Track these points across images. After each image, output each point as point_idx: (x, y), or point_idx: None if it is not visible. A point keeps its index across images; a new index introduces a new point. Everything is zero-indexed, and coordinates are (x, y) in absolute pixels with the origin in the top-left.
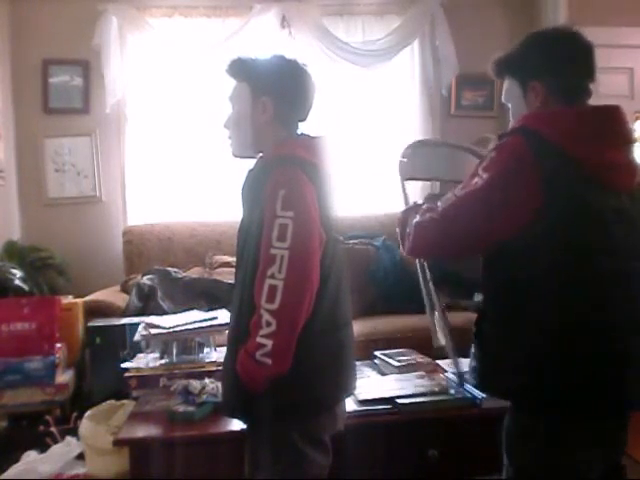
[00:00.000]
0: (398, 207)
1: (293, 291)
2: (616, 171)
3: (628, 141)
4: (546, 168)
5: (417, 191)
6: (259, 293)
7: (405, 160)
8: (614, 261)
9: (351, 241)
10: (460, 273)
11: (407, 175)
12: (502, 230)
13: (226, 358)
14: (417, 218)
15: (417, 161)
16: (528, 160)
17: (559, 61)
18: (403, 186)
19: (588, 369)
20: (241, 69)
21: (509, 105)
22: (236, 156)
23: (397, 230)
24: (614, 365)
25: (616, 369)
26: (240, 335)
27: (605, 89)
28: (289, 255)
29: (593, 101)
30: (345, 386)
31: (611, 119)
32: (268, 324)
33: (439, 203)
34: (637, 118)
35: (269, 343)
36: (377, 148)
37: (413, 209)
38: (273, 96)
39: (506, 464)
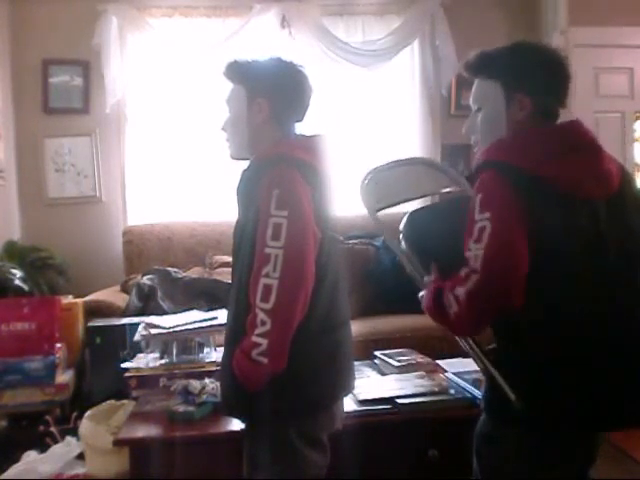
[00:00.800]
0: (398, 207)
1: (288, 290)
2: (586, 184)
3: (594, 150)
4: (526, 197)
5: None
6: (254, 292)
7: (366, 194)
8: (601, 276)
9: (351, 241)
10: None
11: (376, 207)
12: (536, 253)
13: (224, 357)
14: (458, 293)
15: (380, 190)
16: (510, 189)
17: (551, 81)
18: (376, 219)
19: (583, 385)
20: (237, 71)
21: (478, 107)
22: (234, 158)
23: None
24: (610, 381)
25: (612, 385)
26: (237, 335)
27: (605, 89)
28: (283, 254)
29: (593, 101)
30: (343, 385)
31: (574, 133)
32: (263, 323)
33: (469, 267)
34: (637, 118)
35: (264, 342)
36: (377, 148)
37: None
38: (269, 97)
39: (475, 468)
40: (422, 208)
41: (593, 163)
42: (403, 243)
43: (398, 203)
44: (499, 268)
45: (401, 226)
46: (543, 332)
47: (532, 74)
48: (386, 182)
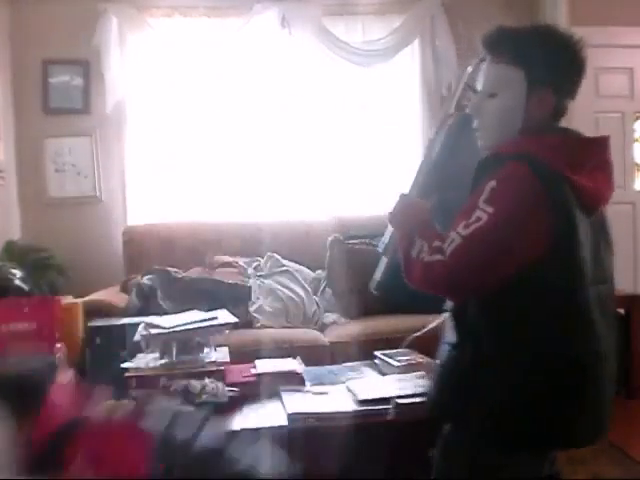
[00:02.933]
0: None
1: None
2: (601, 200)
3: (610, 167)
4: (555, 198)
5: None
6: None
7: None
8: (596, 289)
9: (351, 241)
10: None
11: None
12: (515, 267)
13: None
14: (424, 255)
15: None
16: (537, 190)
17: (574, 77)
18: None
19: (576, 400)
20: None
21: (493, 92)
22: None
23: (390, 234)
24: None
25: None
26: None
27: (605, 89)
28: None
29: (593, 101)
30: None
31: (601, 150)
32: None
33: (445, 244)
34: (637, 118)
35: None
36: (377, 148)
37: (415, 221)
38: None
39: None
40: None
41: (607, 182)
42: None
43: None
44: (464, 266)
45: None
46: (528, 344)
47: (559, 68)
48: None
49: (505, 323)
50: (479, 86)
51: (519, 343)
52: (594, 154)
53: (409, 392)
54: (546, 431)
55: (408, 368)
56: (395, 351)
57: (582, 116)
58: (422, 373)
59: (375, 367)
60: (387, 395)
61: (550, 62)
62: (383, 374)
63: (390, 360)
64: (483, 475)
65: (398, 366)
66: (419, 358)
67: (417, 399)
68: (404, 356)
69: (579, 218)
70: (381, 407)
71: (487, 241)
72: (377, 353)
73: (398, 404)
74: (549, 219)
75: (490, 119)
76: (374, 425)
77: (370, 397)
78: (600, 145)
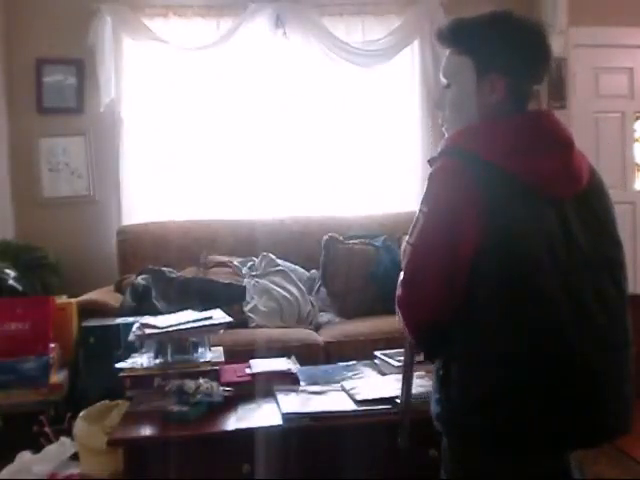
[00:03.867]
0: (398, 207)
1: None
2: (552, 181)
3: (564, 145)
4: (485, 189)
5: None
6: None
7: None
8: (561, 276)
9: (351, 241)
10: None
11: None
12: (460, 265)
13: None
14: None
15: None
16: (465, 183)
17: (530, 61)
18: None
19: (548, 400)
20: (463, 36)
21: (447, 83)
22: None
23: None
24: (579, 391)
25: (579, 396)
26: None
27: (605, 89)
28: None
29: (593, 101)
30: None
31: (544, 126)
32: None
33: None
34: (637, 118)
35: None
36: (377, 148)
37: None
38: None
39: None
40: None
41: (564, 159)
42: None
43: None
44: (422, 268)
45: None
46: (494, 349)
47: (509, 53)
48: None
49: (466, 322)
50: (441, 80)
51: (484, 342)
52: (537, 134)
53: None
54: (525, 431)
55: None
56: (395, 351)
57: (582, 116)
58: (422, 373)
59: (375, 367)
60: (387, 395)
61: (497, 46)
62: (383, 374)
63: (390, 360)
64: None
65: (398, 366)
66: (419, 358)
67: (417, 399)
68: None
69: (520, 206)
70: (381, 407)
71: (429, 239)
72: (377, 353)
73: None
74: (480, 211)
75: (449, 110)
76: (370, 425)
77: (370, 397)
78: (542, 123)
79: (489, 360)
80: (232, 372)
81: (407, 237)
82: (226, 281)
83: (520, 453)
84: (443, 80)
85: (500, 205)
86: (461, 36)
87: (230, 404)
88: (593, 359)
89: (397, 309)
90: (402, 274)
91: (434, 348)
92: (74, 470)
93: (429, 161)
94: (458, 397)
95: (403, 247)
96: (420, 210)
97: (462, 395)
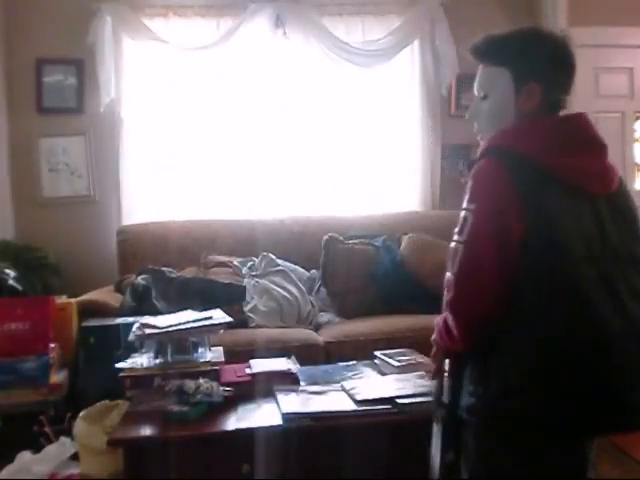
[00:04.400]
0: (398, 207)
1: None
2: (588, 178)
3: (599, 146)
4: (528, 185)
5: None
6: None
7: None
8: (596, 268)
9: (351, 241)
10: (430, 290)
11: None
12: (509, 258)
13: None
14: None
15: None
16: (509, 180)
17: (561, 71)
18: None
19: (584, 383)
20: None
21: (484, 94)
22: None
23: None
24: (611, 378)
25: (614, 379)
26: None
27: (605, 89)
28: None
29: (593, 101)
30: None
31: (581, 127)
32: None
33: (447, 274)
34: (637, 118)
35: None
36: (377, 148)
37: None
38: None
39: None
40: None
41: (598, 159)
42: None
43: None
44: (476, 265)
45: None
46: (534, 334)
47: (543, 63)
48: None
49: (510, 312)
50: (475, 92)
51: (525, 330)
52: (574, 133)
53: (409, 392)
54: (560, 415)
55: (408, 368)
56: (395, 351)
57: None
58: (422, 373)
59: (375, 367)
60: (387, 395)
61: (532, 57)
62: (383, 374)
63: (390, 360)
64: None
65: (398, 366)
66: (419, 358)
67: (417, 399)
68: (404, 356)
69: (559, 199)
70: (381, 407)
71: (481, 235)
72: (377, 353)
73: (398, 404)
74: (524, 206)
75: (486, 119)
76: (369, 425)
77: (370, 397)
78: (576, 123)
79: (529, 347)
80: (232, 372)
81: (455, 237)
82: (226, 281)
83: (552, 438)
84: (479, 92)
85: (542, 201)
86: (498, 50)
87: (230, 404)
88: (629, 346)
89: (447, 310)
90: (452, 274)
91: (478, 342)
92: (74, 470)
93: (469, 165)
94: (496, 385)
95: (452, 247)
96: (467, 209)
97: (501, 382)
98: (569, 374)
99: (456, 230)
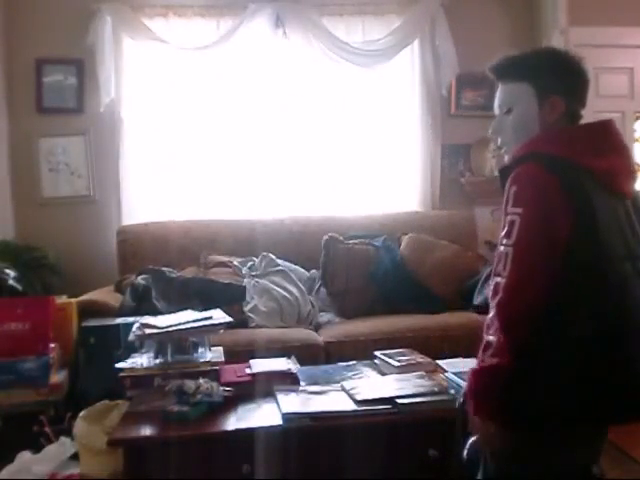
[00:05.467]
0: (398, 207)
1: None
2: (620, 178)
3: (625, 148)
4: (568, 185)
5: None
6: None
7: None
8: (633, 265)
9: (351, 241)
10: (430, 290)
11: None
12: (556, 257)
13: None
14: (493, 301)
15: None
16: (550, 183)
17: (578, 85)
18: None
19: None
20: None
21: (508, 109)
22: None
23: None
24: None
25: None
26: None
27: (605, 89)
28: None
29: (593, 101)
30: None
31: (608, 131)
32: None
33: (496, 279)
34: (637, 118)
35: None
36: (377, 148)
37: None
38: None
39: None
40: None
41: (628, 162)
42: None
43: None
44: (528, 266)
45: None
46: (580, 332)
47: (562, 77)
48: None
49: (554, 311)
50: (496, 109)
51: (569, 327)
52: (603, 138)
53: (409, 392)
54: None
55: (408, 368)
56: (395, 351)
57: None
58: (422, 373)
59: (375, 367)
60: (387, 395)
61: (553, 73)
62: (383, 374)
63: (390, 360)
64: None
65: (398, 366)
66: (419, 358)
67: (417, 399)
68: (404, 356)
69: (599, 198)
70: (381, 407)
71: (531, 236)
72: (377, 353)
73: (398, 404)
74: (568, 206)
75: (512, 132)
76: (370, 425)
77: (370, 397)
78: (605, 128)
79: (575, 345)
80: (232, 372)
81: (504, 241)
82: (226, 281)
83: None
84: (502, 108)
85: (586, 200)
86: (520, 67)
87: (230, 404)
88: None
89: (496, 316)
90: (503, 277)
91: (521, 348)
92: (74, 470)
93: (501, 171)
94: (541, 385)
95: (500, 251)
96: (513, 214)
97: (548, 382)
98: (616, 369)
99: (503, 234)
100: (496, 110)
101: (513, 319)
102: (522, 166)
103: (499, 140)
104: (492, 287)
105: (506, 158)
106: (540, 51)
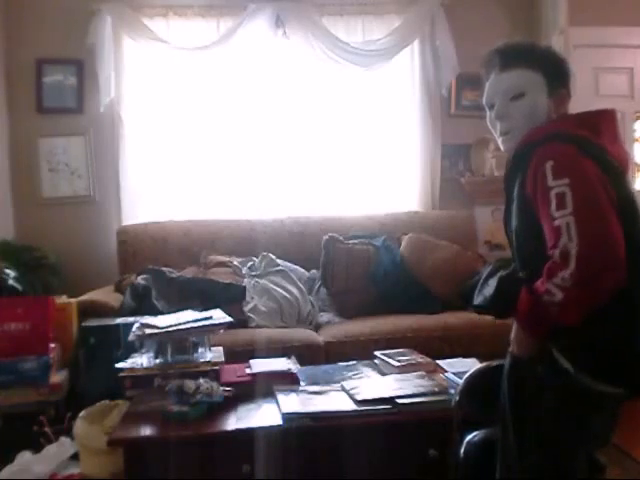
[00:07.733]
0: (398, 207)
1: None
2: (625, 162)
3: (621, 138)
4: (602, 165)
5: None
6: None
7: None
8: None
9: (351, 241)
10: (429, 290)
11: None
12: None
13: None
14: (556, 277)
15: None
16: (583, 155)
17: (571, 84)
18: None
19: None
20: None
21: (519, 93)
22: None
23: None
24: None
25: None
26: None
27: (605, 89)
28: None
29: (593, 101)
30: None
31: (614, 119)
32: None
33: (560, 239)
34: (637, 118)
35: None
36: (377, 148)
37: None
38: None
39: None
40: None
41: (624, 147)
42: None
43: None
44: (598, 229)
45: None
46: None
47: (567, 73)
48: None
49: None
50: (499, 94)
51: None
52: (608, 126)
53: (409, 392)
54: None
55: (408, 368)
56: (395, 351)
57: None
58: (422, 373)
59: (375, 367)
60: (387, 395)
61: (561, 65)
62: (383, 374)
63: (390, 360)
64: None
65: (398, 366)
66: (419, 358)
67: (417, 399)
68: (404, 356)
69: (623, 180)
70: (381, 407)
71: (594, 201)
72: (377, 353)
73: (398, 404)
74: (604, 175)
75: (521, 116)
76: (370, 425)
77: (370, 397)
78: (610, 116)
79: (624, 314)
80: (232, 372)
81: (557, 214)
82: (226, 281)
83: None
84: (507, 93)
85: (614, 179)
86: (531, 54)
87: (230, 404)
88: None
89: (570, 285)
90: (569, 249)
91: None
92: (74, 470)
93: (513, 158)
94: (591, 354)
95: (556, 224)
96: (558, 186)
97: (598, 351)
98: None
99: (553, 208)
100: (495, 96)
101: (596, 288)
102: (548, 144)
103: (503, 125)
104: (549, 264)
105: (505, 147)
106: (542, 45)
